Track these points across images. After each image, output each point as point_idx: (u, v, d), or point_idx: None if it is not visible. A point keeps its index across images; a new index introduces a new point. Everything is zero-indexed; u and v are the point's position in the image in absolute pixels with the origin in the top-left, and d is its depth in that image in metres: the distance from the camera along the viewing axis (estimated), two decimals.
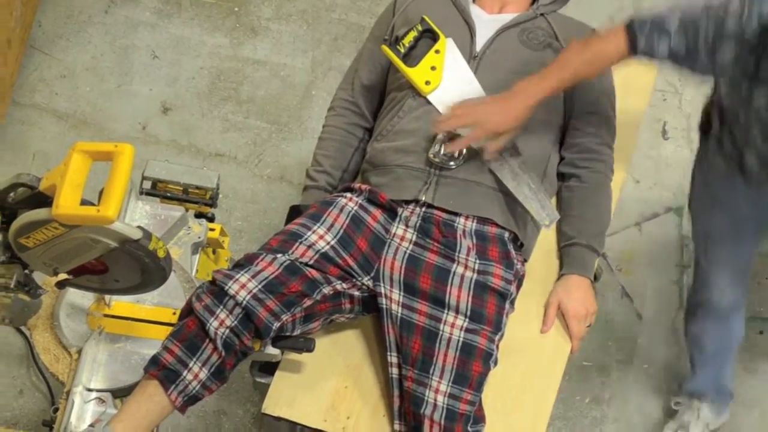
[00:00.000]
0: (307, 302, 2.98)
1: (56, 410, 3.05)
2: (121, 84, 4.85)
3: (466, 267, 3.06)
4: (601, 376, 4.16)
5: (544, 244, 3.34)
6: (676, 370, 4.13)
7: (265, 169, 4.62)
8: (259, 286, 2.91)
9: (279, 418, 3.10)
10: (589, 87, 3.35)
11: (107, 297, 3.11)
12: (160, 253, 2.59)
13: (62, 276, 2.77)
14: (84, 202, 2.42)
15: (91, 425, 2.89)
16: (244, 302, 2.86)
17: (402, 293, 3.05)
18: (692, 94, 4.78)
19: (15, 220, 2.54)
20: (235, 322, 2.87)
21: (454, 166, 3.14)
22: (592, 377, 4.16)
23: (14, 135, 4.69)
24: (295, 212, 3.30)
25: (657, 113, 4.74)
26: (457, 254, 3.07)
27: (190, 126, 4.73)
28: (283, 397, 3.11)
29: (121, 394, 3.03)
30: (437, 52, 3.31)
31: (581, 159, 3.35)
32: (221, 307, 2.88)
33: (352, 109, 3.49)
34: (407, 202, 3.15)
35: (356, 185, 3.22)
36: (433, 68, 3.28)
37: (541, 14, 3.44)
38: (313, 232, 3.07)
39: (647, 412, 4.08)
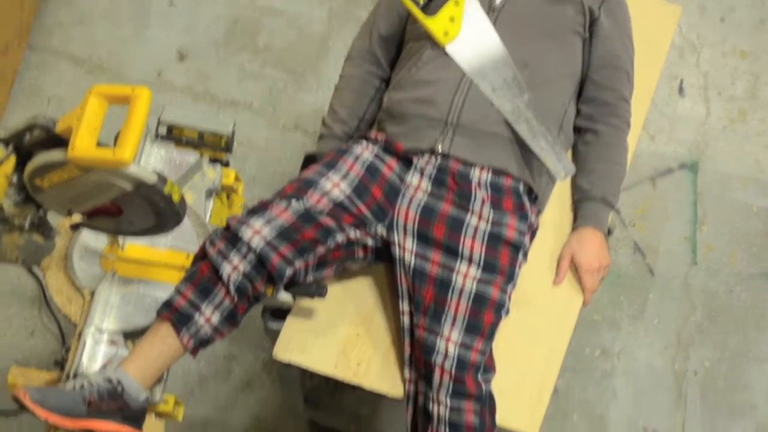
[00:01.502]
0: (321, 249, 2.99)
1: (68, 351, 3.07)
2: (137, 30, 4.85)
3: (480, 218, 3.06)
4: (611, 330, 4.17)
5: (559, 196, 3.34)
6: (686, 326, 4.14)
7: (280, 118, 4.62)
8: (273, 233, 2.91)
9: (289, 364, 3.11)
10: (608, 40, 3.33)
11: (121, 239, 3.12)
12: (175, 197, 2.60)
13: (76, 218, 2.78)
14: (100, 145, 2.42)
15: (103, 366, 2.90)
16: (258, 248, 2.87)
17: (415, 242, 3.05)
18: (710, 53, 4.76)
19: (30, 161, 2.55)
20: (249, 267, 2.88)
21: None
22: (602, 331, 4.17)
23: (30, 79, 4.69)
24: (310, 160, 3.30)
25: (674, 70, 4.73)
26: (471, 205, 3.07)
27: (206, 73, 4.72)
28: (294, 343, 3.13)
29: (133, 336, 3.05)
30: (456, 3, 3.29)
31: (598, 113, 3.33)
32: (235, 252, 2.89)
33: (369, 59, 3.47)
34: (423, 152, 3.14)
35: (372, 134, 3.22)
36: (451, 19, 3.26)
37: None
38: (328, 180, 3.07)
39: (656, 367, 4.09)
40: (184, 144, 3.38)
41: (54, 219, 2.84)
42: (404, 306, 3.06)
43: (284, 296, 3.07)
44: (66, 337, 4.07)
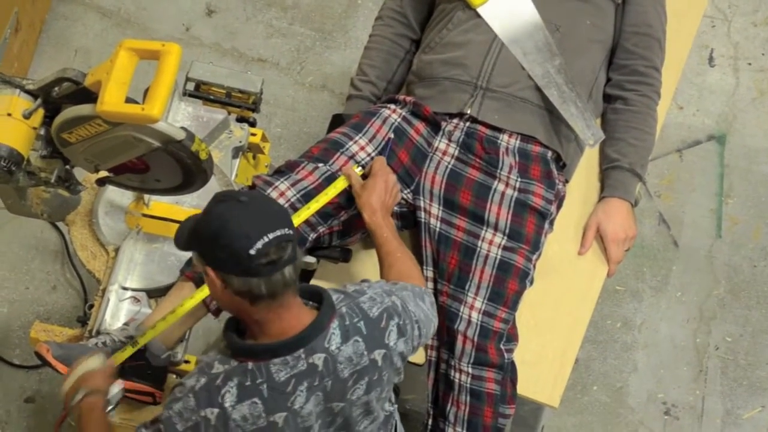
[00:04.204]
0: (344, 215, 2.97)
1: (91, 307, 3.06)
2: None
3: (507, 184, 3.04)
4: (633, 302, 4.15)
5: (587, 165, 3.32)
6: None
7: (307, 77, 4.59)
8: (298, 195, 2.90)
9: None
10: (641, 7, 3.30)
11: (146, 197, 3.10)
12: (203, 155, 2.58)
13: (103, 173, 2.77)
14: (128, 100, 2.41)
15: (126, 324, 2.90)
16: None
17: (441, 208, 3.03)
18: (741, 23, 4.71)
19: (59, 114, 2.53)
20: None
21: None
22: (624, 302, 4.15)
23: (57, 30, 4.67)
24: (337, 121, 3.28)
25: (705, 40, 4.68)
26: (498, 171, 3.05)
27: (234, 30, 4.69)
28: None
29: (156, 294, 3.04)
30: None
31: (629, 81, 3.30)
32: None
33: (399, 20, 3.44)
34: (452, 116, 3.12)
35: (401, 97, 3.19)
36: None
37: None
38: (355, 142, 3.05)
39: (677, 340, 4.08)
40: (211, 101, 3.37)
41: (80, 174, 2.83)
42: (428, 272, 3.05)
43: (308, 258, 3.06)
44: (88, 292, 4.08)
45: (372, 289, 2.48)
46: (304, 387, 2.32)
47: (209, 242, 2.25)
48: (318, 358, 2.32)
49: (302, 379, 2.32)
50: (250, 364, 2.31)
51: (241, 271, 2.23)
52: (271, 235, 2.20)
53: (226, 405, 2.29)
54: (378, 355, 2.40)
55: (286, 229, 2.23)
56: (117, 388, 2.62)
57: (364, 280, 2.55)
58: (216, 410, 2.30)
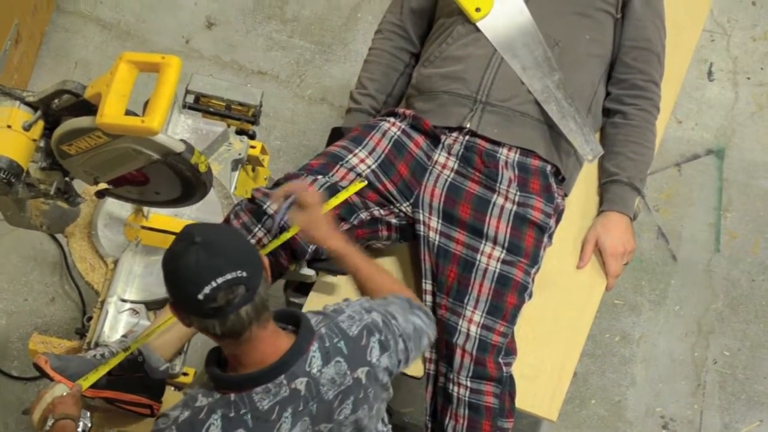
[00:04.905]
0: (344, 227, 2.97)
1: (89, 319, 3.07)
2: None
3: (506, 198, 3.04)
4: (632, 316, 4.15)
5: (586, 179, 3.32)
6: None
7: (306, 90, 4.60)
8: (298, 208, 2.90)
9: None
10: (640, 22, 3.30)
11: (145, 209, 3.11)
12: (202, 168, 2.59)
13: (102, 185, 2.77)
14: (128, 113, 2.41)
15: (124, 336, 2.90)
16: (282, 222, 2.86)
17: (440, 221, 3.03)
18: (740, 37, 4.71)
19: (58, 126, 2.54)
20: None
21: None
22: (623, 316, 4.15)
23: (57, 42, 4.67)
24: (336, 134, 3.29)
25: (704, 54, 4.68)
26: (498, 185, 3.05)
27: (234, 42, 4.70)
28: None
29: (154, 306, 3.04)
30: None
31: (628, 95, 3.31)
32: (259, 226, 2.88)
33: (399, 33, 3.44)
34: (451, 130, 3.12)
35: (400, 110, 3.20)
36: None
37: None
38: (355, 155, 3.05)
39: (676, 354, 4.07)
40: (211, 114, 3.37)
41: (79, 186, 2.83)
42: (427, 285, 3.05)
43: (307, 271, 3.06)
44: (87, 304, 4.08)
45: (350, 308, 2.45)
46: (288, 413, 2.30)
47: (166, 280, 2.24)
48: (300, 383, 2.31)
49: (286, 405, 2.30)
50: (233, 396, 2.30)
51: (194, 312, 2.21)
52: (219, 280, 2.16)
53: None
54: (361, 373, 2.38)
55: (239, 272, 2.18)
56: (86, 415, 2.64)
57: (345, 300, 2.53)
58: None
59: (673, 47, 3.43)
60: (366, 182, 2.99)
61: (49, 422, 2.51)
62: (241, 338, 2.24)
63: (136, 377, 2.76)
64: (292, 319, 2.39)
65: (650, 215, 4.32)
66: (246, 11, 4.77)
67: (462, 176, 3.07)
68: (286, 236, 2.86)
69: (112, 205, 3.19)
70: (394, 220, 3.07)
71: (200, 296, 2.16)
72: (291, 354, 2.30)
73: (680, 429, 3.98)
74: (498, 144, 3.10)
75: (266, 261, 2.30)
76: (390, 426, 2.65)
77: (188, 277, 2.17)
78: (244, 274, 2.19)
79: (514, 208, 3.03)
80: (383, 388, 2.47)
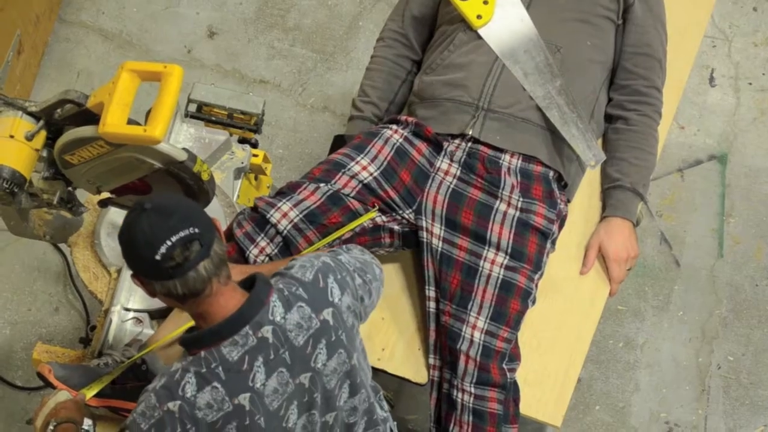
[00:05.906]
0: (347, 234, 2.97)
1: (93, 328, 3.07)
2: (168, 6, 4.83)
3: (509, 204, 3.04)
4: (635, 321, 4.15)
5: (588, 185, 3.32)
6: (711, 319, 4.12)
7: (308, 98, 4.60)
8: (301, 215, 2.91)
9: None
10: (641, 28, 3.31)
11: None
12: (204, 176, 2.59)
13: (105, 194, 2.77)
14: (131, 122, 2.42)
15: (128, 344, 2.90)
16: (285, 231, 2.86)
17: (443, 228, 3.03)
18: (742, 43, 4.72)
19: (61, 136, 2.54)
20: (275, 250, 2.88)
21: None
22: (627, 321, 4.15)
23: (59, 52, 4.68)
24: (339, 142, 3.29)
25: (705, 60, 4.69)
26: (500, 191, 3.05)
27: (236, 51, 4.71)
28: None
29: (158, 315, 3.05)
30: None
31: (630, 101, 3.31)
32: (262, 235, 2.88)
33: (401, 41, 3.45)
34: (453, 137, 3.13)
35: (402, 117, 3.20)
36: (485, 2, 3.24)
37: None
38: (357, 162, 3.05)
39: (680, 359, 4.07)
40: (213, 123, 3.37)
41: (82, 195, 2.83)
42: (430, 292, 3.05)
43: None
44: (90, 314, 4.08)
45: (300, 260, 2.51)
46: (260, 362, 2.34)
47: (124, 253, 2.29)
48: (266, 331, 2.35)
49: (255, 354, 2.34)
50: (203, 353, 2.34)
51: (155, 276, 2.27)
52: (174, 238, 2.22)
53: (188, 395, 2.32)
54: (327, 314, 2.43)
55: (191, 228, 2.24)
56: (88, 423, 2.64)
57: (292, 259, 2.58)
58: (178, 402, 2.33)
59: (674, 53, 3.43)
60: (378, 212, 3.01)
61: (51, 426, 2.52)
62: (203, 294, 2.30)
63: (140, 385, 2.76)
64: (249, 281, 2.43)
65: (653, 221, 4.32)
66: (248, 20, 4.78)
67: (464, 183, 3.07)
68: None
69: (114, 214, 3.19)
70: (396, 227, 3.07)
71: (157, 257, 2.22)
72: (250, 303, 2.35)
73: None
74: (500, 150, 3.10)
75: (218, 222, 2.36)
76: (389, 414, 2.70)
77: (144, 241, 2.23)
78: (197, 230, 2.25)
79: (517, 214, 3.03)
80: (353, 330, 2.52)
